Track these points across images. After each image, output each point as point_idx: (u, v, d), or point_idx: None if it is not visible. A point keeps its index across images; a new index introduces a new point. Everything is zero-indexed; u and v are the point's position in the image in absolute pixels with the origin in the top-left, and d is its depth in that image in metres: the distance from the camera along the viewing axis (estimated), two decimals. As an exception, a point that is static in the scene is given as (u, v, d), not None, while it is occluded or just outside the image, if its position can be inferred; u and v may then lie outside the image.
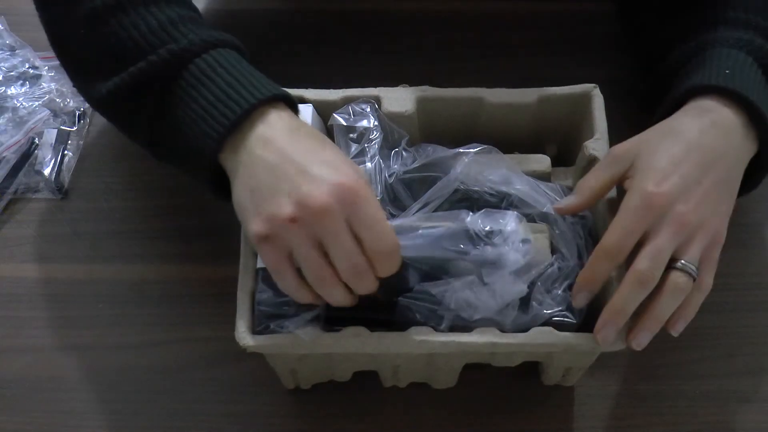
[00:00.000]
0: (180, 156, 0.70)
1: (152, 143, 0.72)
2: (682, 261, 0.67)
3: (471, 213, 0.69)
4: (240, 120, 0.65)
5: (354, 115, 0.75)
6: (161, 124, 0.69)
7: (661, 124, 0.72)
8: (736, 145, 0.71)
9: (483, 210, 0.69)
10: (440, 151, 0.74)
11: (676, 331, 0.69)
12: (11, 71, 0.94)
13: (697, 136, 0.69)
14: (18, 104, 0.92)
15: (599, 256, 0.67)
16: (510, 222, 0.68)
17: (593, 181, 0.71)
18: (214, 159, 0.66)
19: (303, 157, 0.64)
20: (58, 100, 0.93)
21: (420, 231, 0.68)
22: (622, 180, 0.70)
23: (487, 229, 0.68)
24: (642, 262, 0.66)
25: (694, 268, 0.67)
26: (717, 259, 0.69)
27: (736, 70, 0.72)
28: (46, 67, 0.95)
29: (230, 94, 0.66)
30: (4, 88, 0.93)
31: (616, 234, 0.67)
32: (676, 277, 0.67)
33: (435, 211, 0.73)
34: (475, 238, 0.68)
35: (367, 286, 0.64)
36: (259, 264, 0.70)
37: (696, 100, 0.72)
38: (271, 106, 0.67)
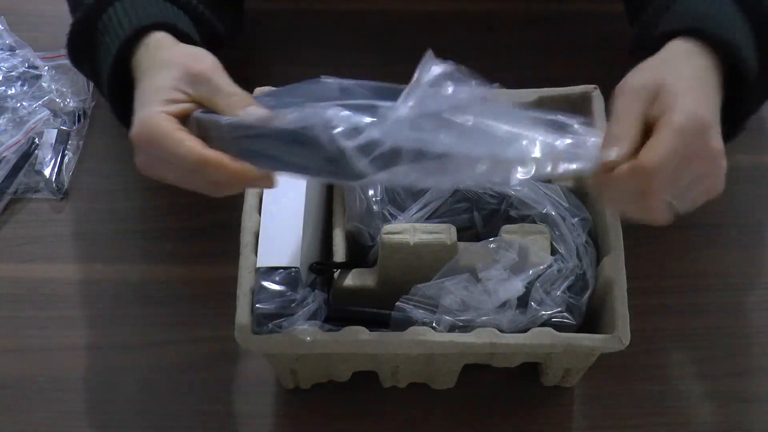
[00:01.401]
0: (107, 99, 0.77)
1: (102, 92, 0.79)
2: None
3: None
4: (121, 54, 0.71)
5: (354, 116, 0.75)
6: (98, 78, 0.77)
7: (654, 59, 0.67)
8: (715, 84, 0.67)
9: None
10: None
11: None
12: (11, 71, 0.94)
13: (699, 75, 0.66)
14: (18, 104, 0.92)
15: (631, 173, 0.60)
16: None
17: (626, 122, 0.62)
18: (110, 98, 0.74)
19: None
20: (58, 100, 0.93)
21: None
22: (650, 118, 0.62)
23: None
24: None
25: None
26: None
27: (712, 10, 0.70)
28: (46, 67, 0.95)
29: (117, 32, 0.72)
30: (4, 88, 0.93)
31: (661, 154, 0.59)
32: None
33: (435, 211, 0.74)
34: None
35: (224, 190, 0.65)
36: (259, 264, 0.70)
37: (677, 41, 0.68)
38: (146, 37, 0.71)
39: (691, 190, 0.63)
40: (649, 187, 0.60)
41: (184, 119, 0.65)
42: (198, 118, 0.65)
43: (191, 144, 0.62)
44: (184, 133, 0.63)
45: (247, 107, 0.63)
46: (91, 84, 0.95)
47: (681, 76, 0.64)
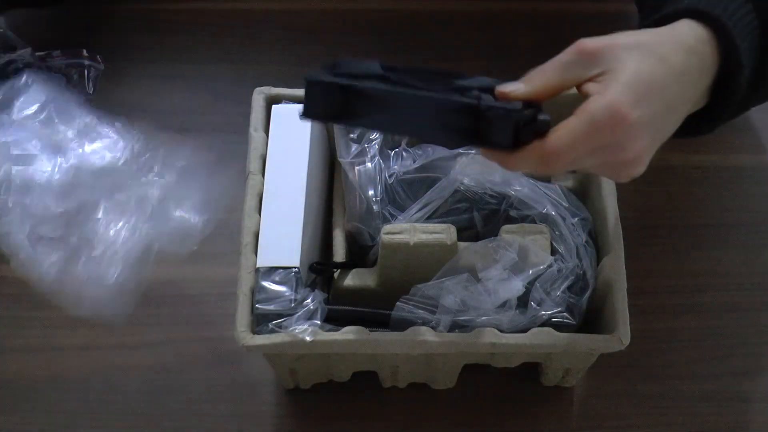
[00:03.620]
0: None
1: None
2: None
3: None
4: None
5: (354, 115, 0.75)
6: None
7: (641, 33, 0.62)
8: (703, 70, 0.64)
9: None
10: (440, 152, 0.74)
11: None
12: (11, 71, 0.94)
13: (677, 67, 0.61)
14: (18, 104, 0.92)
15: (537, 155, 0.59)
16: None
17: (552, 75, 0.61)
18: None
19: None
20: (58, 100, 0.93)
21: None
22: (583, 82, 0.61)
23: None
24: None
25: None
26: None
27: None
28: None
29: None
30: (4, 87, 0.93)
31: (566, 141, 0.58)
32: None
33: (435, 211, 0.74)
34: None
35: None
36: (259, 264, 0.70)
37: (681, 22, 0.64)
38: None
39: (595, 169, 0.63)
40: (548, 166, 0.59)
41: None
42: None
43: None
44: None
45: None
46: (91, 84, 0.95)
47: (639, 59, 0.60)
